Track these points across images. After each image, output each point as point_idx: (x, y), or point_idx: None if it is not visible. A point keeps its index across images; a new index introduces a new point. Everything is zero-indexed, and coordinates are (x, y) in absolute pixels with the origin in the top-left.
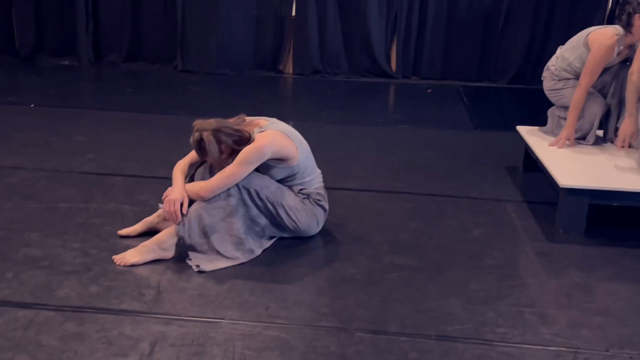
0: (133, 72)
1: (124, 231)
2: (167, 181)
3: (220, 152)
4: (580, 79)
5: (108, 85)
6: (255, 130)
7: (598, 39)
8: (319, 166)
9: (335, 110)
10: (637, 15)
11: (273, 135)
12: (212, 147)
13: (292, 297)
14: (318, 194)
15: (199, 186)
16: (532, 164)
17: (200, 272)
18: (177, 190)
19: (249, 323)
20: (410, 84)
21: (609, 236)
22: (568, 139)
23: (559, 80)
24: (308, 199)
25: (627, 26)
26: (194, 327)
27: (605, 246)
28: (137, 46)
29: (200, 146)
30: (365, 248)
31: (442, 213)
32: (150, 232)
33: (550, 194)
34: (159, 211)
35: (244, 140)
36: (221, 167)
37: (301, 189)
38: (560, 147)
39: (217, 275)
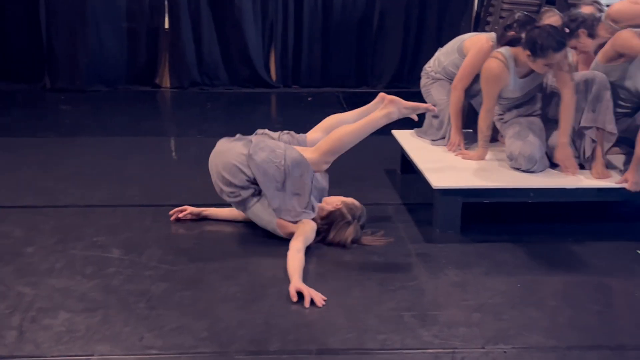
0: None
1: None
2: (35, 210)
3: None
4: (454, 82)
5: None
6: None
7: (474, 45)
8: (198, 183)
9: (215, 122)
10: (582, 30)
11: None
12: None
13: (169, 324)
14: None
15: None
16: (409, 166)
17: None
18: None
19: (121, 357)
20: (291, 93)
21: (484, 232)
22: (459, 145)
23: (432, 80)
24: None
25: (571, 37)
26: None
27: (480, 242)
28: None
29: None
30: (247, 264)
31: None
32: None
33: (428, 195)
34: None
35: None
36: None
37: None
38: (454, 152)
39: (88, 307)
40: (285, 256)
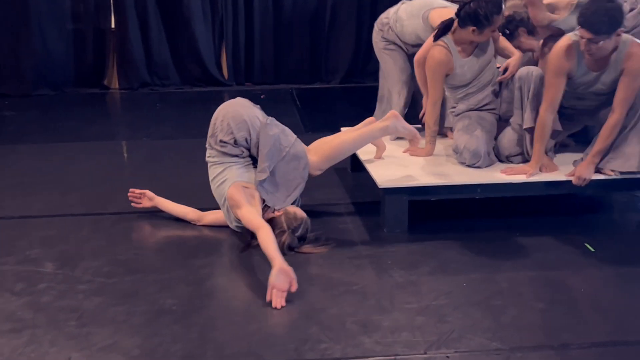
0: None
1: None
2: None
3: None
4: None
5: None
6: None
7: (440, 17)
8: (144, 187)
9: (165, 124)
10: (521, 29)
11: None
12: None
13: (99, 342)
14: None
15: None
16: (359, 164)
17: None
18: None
19: None
20: (244, 91)
21: (432, 230)
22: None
23: (385, 43)
24: None
25: (511, 38)
26: None
27: (428, 241)
28: None
29: None
30: (187, 273)
31: None
32: None
33: (378, 193)
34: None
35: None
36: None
37: None
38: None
39: (15, 327)
40: (227, 266)
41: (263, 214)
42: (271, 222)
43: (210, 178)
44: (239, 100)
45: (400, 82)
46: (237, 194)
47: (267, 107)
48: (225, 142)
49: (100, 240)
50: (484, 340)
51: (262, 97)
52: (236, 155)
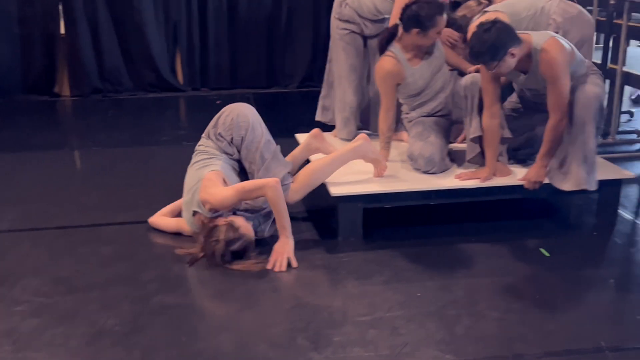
0: None
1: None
2: None
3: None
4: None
5: None
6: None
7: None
8: (91, 199)
9: (116, 131)
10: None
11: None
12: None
13: None
14: None
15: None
16: None
17: None
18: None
19: None
20: (199, 96)
21: (387, 237)
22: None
23: (343, 23)
24: None
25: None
26: None
27: (383, 249)
28: None
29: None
30: (133, 290)
31: None
32: None
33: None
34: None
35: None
36: None
37: None
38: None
39: None
40: (174, 281)
41: (209, 220)
42: (211, 229)
43: (191, 163)
44: (252, 108)
45: (348, 82)
46: (218, 178)
47: None
48: (222, 137)
49: (42, 256)
50: (438, 352)
51: (217, 102)
52: (228, 154)
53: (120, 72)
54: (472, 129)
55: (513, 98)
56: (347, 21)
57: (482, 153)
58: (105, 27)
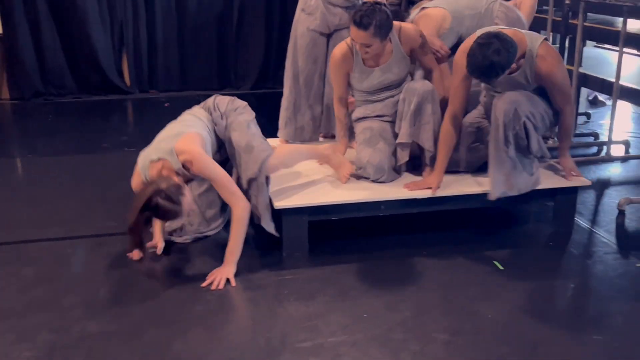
0: None
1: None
2: None
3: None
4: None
5: None
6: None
7: None
8: (21, 212)
9: (55, 137)
10: None
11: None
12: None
13: None
14: None
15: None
16: None
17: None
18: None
19: None
20: (148, 99)
21: (334, 251)
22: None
23: (305, 12)
24: None
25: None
26: None
27: (328, 265)
28: None
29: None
30: (53, 318)
31: (153, 254)
32: None
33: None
34: None
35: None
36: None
37: None
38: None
39: None
40: (99, 307)
41: (169, 170)
42: (163, 177)
43: (177, 119)
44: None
45: (304, 88)
46: (199, 139)
47: (172, 116)
48: (215, 110)
49: None
50: None
51: (166, 105)
52: (214, 127)
53: (63, 74)
54: (401, 134)
55: (473, 114)
56: (311, 14)
57: (410, 161)
58: (47, 27)
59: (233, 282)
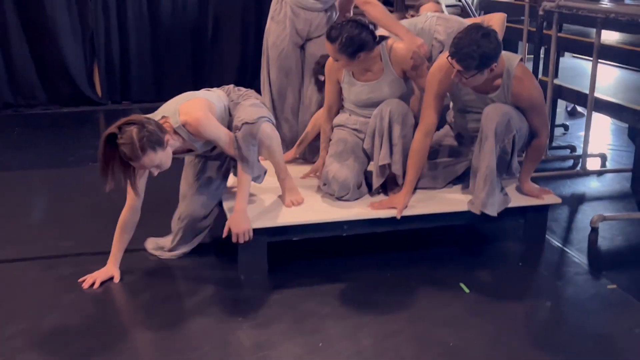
0: None
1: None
2: None
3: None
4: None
5: None
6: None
7: None
8: None
9: (19, 151)
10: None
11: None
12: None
13: None
14: None
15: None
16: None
17: None
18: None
19: None
20: (120, 110)
21: (294, 274)
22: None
23: (276, 15)
24: None
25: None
26: None
27: (288, 288)
28: None
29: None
30: None
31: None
32: None
33: None
34: None
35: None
36: None
37: None
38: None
39: None
40: (47, 333)
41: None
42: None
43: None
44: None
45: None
46: (206, 104)
47: None
48: (234, 92)
49: None
50: None
51: None
52: (229, 103)
53: (33, 85)
54: (381, 156)
55: (441, 133)
56: (280, 22)
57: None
58: (16, 37)
59: (251, 233)
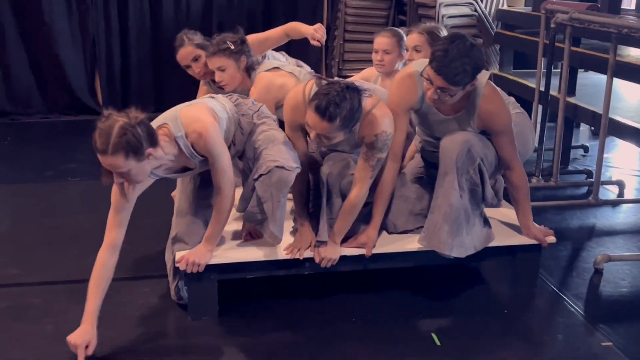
0: None
1: None
2: None
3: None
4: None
5: None
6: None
7: None
8: None
9: (3, 164)
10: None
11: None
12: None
13: None
14: None
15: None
16: None
17: None
18: None
19: None
20: None
21: (247, 316)
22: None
23: None
24: None
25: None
26: None
27: (238, 333)
28: None
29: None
30: None
31: (51, 310)
32: None
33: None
34: None
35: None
36: None
37: None
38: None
39: None
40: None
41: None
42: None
43: None
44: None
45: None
46: (209, 111)
47: None
48: (254, 105)
49: None
50: None
51: None
52: (236, 114)
53: (31, 93)
54: (319, 232)
55: (412, 164)
56: None
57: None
58: (13, 44)
59: (202, 268)
